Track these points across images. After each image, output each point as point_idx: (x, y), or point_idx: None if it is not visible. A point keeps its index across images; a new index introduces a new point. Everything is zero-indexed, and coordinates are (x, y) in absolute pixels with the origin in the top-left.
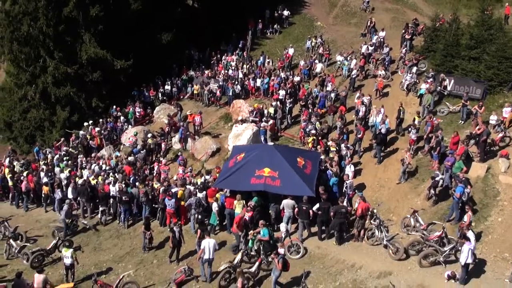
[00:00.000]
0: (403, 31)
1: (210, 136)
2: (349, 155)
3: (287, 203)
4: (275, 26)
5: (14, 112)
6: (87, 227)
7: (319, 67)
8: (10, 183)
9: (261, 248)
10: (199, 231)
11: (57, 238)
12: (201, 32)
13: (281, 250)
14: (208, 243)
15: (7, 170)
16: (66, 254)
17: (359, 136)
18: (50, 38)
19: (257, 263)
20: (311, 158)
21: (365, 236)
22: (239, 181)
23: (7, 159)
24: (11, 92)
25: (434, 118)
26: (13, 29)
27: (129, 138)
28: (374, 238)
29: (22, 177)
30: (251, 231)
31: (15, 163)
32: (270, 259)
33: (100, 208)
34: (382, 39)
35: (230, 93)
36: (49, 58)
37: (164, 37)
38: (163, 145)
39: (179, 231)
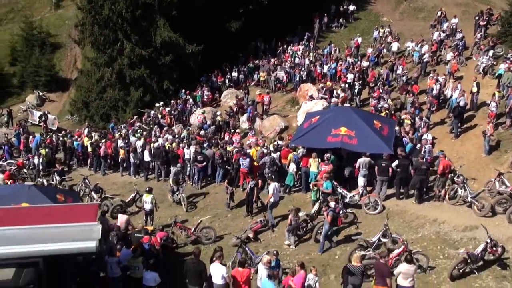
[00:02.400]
0: (477, 17)
1: (278, 115)
2: (423, 126)
3: (363, 161)
4: (341, 20)
5: (91, 93)
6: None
7: (395, 46)
8: (90, 149)
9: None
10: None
11: (135, 191)
12: (267, 24)
13: (331, 204)
14: (275, 186)
15: (86, 139)
16: (146, 200)
17: (433, 109)
18: (127, 22)
19: (316, 204)
20: (388, 123)
21: (447, 196)
22: (315, 139)
23: (86, 129)
24: (89, 75)
25: None
26: (95, 13)
27: (197, 117)
28: (456, 198)
29: (100, 144)
30: (313, 182)
31: (93, 133)
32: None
33: (172, 169)
34: (454, 26)
35: (297, 79)
36: (126, 41)
37: (233, 25)
38: (231, 122)
39: (253, 187)
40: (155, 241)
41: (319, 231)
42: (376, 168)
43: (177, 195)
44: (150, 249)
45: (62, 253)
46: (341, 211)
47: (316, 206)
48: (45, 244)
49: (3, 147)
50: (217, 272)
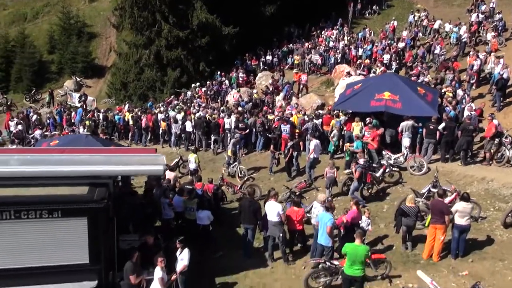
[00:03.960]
0: None
1: (315, 93)
2: (466, 97)
3: (406, 124)
4: (374, 7)
5: (130, 74)
6: None
7: (436, 24)
8: (131, 122)
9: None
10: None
11: (179, 157)
12: (301, 9)
13: (360, 161)
14: (316, 143)
15: (127, 113)
16: (191, 159)
17: (472, 81)
18: (165, 4)
19: (381, 169)
20: (431, 91)
21: (493, 159)
22: (358, 103)
23: (127, 105)
24: (127, 57)
25: None
26: None
27: (233, 96)
28: (503, 160)
29: (142, 117)
30: (347, 144)
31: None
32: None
33: (212, 137)
34: (492, 8)
35: (332, 61)
36: (164, 22)
37: (268, 9)
38: (267, 100)
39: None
40: (207, 188)
41: (347, 184)
42: (424, 130)
43: (233, 167)
44: (203, 194)
45: (135, 174)
46: (387, 169)
47: (381, 170)
48: (119, 166)
49: (47, 120)
50: (273, 209)
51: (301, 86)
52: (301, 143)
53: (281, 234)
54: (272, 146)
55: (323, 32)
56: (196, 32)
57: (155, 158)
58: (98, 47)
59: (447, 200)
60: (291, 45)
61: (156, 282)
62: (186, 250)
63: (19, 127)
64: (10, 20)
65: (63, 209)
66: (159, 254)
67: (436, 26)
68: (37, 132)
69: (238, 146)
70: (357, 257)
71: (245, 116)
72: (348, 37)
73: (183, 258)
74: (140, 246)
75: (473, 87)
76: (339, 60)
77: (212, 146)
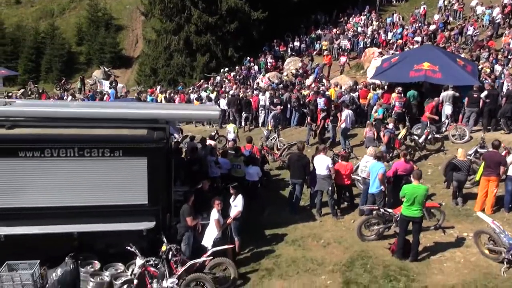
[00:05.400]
0: None
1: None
2: (505, 71)
3: (446, 94)
4: None
5: (159, 60)
6: None
7: (479, 9)
8: (164, 102)
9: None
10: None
11: (215, 131)
12: None
13: (389, 125)
14: (348, 113)
15: (160, 94)
16: (230, 129)
17: (510, 56)
18: None
19: (424, 136)
20: (470, 63)
21: None
22: (396, 74)
23: (158, 87)
24: (156, 44)
25: None
26: None
27: (262, 80)
28: None
29: (175, 97)
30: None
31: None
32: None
33: (244, 115)
34: None
35: (361, 45)
36: (193, 8)
37: None
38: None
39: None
40: (256, 150)
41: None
42: (466, 99)
43: (271, 139)
44: (251, 155)
45: (192, 118)
46: (429, 136)
47: (403, 131)
48: (176, 110)
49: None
50: (322, 162)
51: (331, 69)
52: (338, 114)
53: (330, 188)
54: (309, 118)
55: (350, 18)
56: (225, 17)
57: (210, 106)
58: (125, 38)
59: None
60: (318, 31)
61: (212, 224)
62: (240, 196)
63: None
64: (37, 16)
65: (124, 148)
66: (216, 197)
67: (473, 3)
68: None
69: (278, 119)
70: (416, 197)
71: (280, 92)
72: (377, 22)
73: (236, 204)
74: (195, 191)
75: (510, 64)
76: (368, 45)
77: (243, 123)
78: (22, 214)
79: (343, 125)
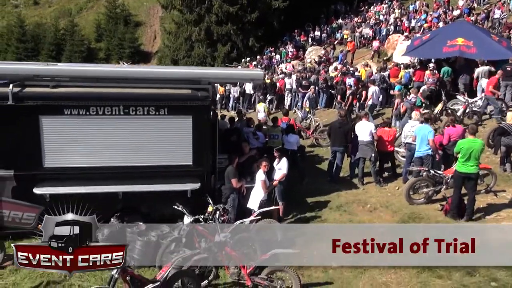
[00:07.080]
0: None
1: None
2: None
3: (481, 70)
4: None
5: (180, 51)
6: None
7: None
8: None
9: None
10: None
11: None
12: None
13: (410, 96)
14: (374, 89)
15: None
16: (260, 108)
17: None
18: None
19: (462, 109)
20: (503, 39)
21: None
22: (429, 50)
23: None
24: (176, 36)
25: None
26: None
27: (286, 68)
28: None
29: None
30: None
31: None
32: None
33: (268, 97)
34: None
35: (383, 33)
36: None
37: None
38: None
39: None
40: (293, 122)
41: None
42: (501, 72)
43: (306, 119)
44: (288, 127)
45: (235, 77)
46: (467, 109)
47: (440, 106)
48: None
49: None
50: (365, 128)
51: (354, 56)
52: (363, 92)
53: (373, 154)
54: (339, 97)
55: (371, 7)
56: (245, 7)
57: (254, 69)
58: (143, 34)
59: None
60: (340, 20)
61: (258, 185)
62: (284, 159)
63: None
64: (55, 16)
65: (169, 106)
66: (263, 158)
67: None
68: None
69: (313, 100)
70: (472, 151)
71: (307, 75)
72: (399, 10)
73: (281, 167)
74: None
75: None
76: (390, 32)
77: (269, 106)
78: (67, 174)
79: (369, 102)
